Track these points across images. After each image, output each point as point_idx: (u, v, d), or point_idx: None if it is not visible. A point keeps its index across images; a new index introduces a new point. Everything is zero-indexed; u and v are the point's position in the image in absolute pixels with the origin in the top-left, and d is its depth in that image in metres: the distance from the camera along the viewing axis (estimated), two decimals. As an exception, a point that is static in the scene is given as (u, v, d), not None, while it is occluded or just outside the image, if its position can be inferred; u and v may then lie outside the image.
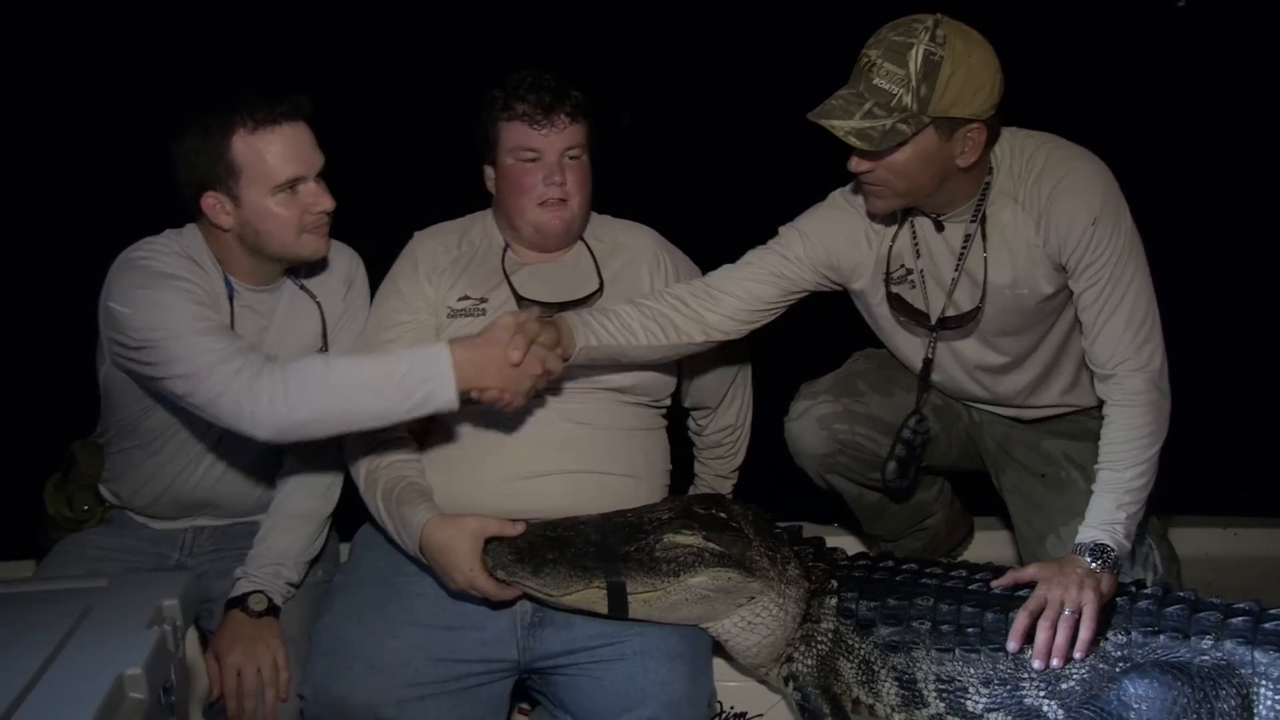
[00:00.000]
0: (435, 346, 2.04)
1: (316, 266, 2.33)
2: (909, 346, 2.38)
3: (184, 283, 2.10)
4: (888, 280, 2.29)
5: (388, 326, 2.33)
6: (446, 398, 2.01)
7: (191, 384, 2.00)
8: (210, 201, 2.14)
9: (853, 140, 2.03)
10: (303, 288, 2.32)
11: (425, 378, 1.99)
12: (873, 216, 2.28)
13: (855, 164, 2.10)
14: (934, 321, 2.29)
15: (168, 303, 2.05)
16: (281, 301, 2.30)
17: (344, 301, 2.36)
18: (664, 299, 2.31)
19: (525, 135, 2.28)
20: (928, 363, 2.34)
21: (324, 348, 2.32)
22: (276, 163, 2.11)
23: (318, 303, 2.32)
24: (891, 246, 2.28)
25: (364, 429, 2.07)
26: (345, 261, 2.39)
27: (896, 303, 2.30)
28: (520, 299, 2.34)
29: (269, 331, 2.28)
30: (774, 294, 2.31)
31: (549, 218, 2.32)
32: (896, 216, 2.27)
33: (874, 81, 2.01)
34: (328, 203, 2.18)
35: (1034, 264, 2.19)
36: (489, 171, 2.38)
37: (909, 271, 2.28)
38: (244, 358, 2.01)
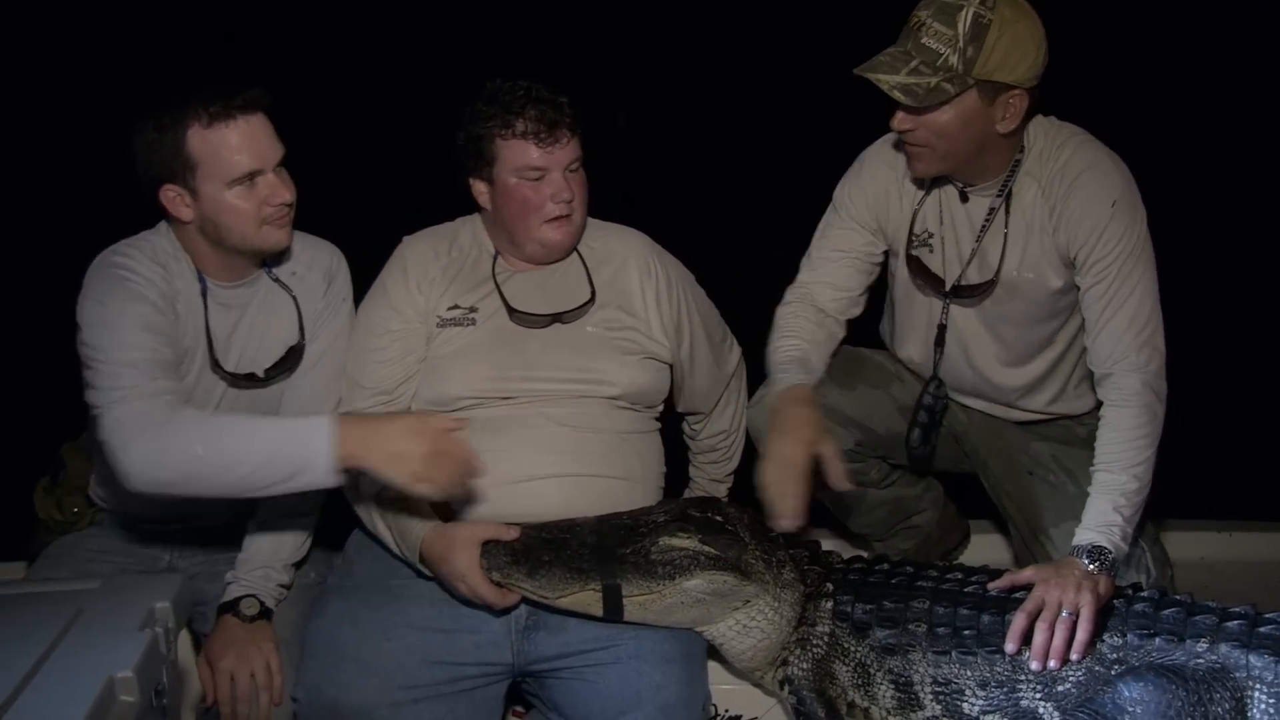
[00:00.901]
0: (321, 418, 2.00)
1: (295, 261, 2.31)
2: (922, 314, 2.42)
3: (145, 307, 2.10)
4: (911, 242, 2.34)
5: (378, 334, 2.31)
6: (319, 473, 1.94)
7: (97, 415, 2.02)
8: (169, 194, 2.13)
9: (897, 95, 2.07)
10: (278, 281, 2.30)
11: (304, 444, 1.94)
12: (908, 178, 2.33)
13: (899, 121, 2.14)
14: (948, 288, 2.33)
15: (114, 324, 2.06)
16: (256, 297, 2.28)
17: (324, 299, 2.33)
18: (819, 328, 2.39)
19: (530, 154, 2.24)
20: (942, 328, 2.38)
21: (301, 342, 2.30)
22: (233, 156, 2.09)
23: (294, 297, 2.30)
24: (917, 211, 2.33)
25: (246, 495, 2.02)
26: (326, 258, 2.36)
27: (914, 265, 2.35)
28: (513, 311, 2.32)
29: (241, 327, 2.26)
30: (862, 279, 2.42)
31: (557, 235, 2.30)
32: (924, 183, 2.31)
33: (922, 40, 2.06)
34: (286, 195, 2.16)
35: (1043, 251, 2.22)
36: (480, 187, 2.33)
37: (930, 235, 2.33)
38: (151, 402, 1.99)
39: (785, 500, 2.10)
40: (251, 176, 2.11)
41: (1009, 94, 2.09)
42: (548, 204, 2.26)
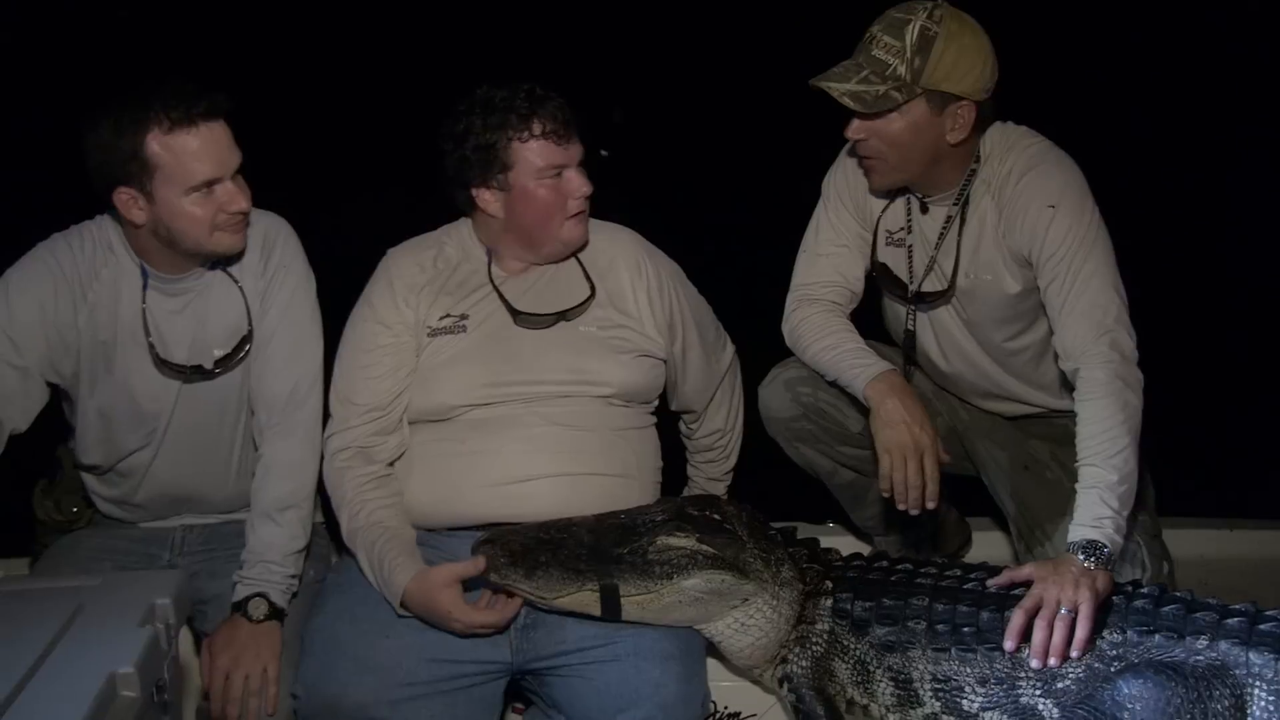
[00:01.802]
0: None
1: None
2: (896, 319, 2.48)
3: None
4: (885, 239, 2.39)
5: (367, 350, 2.30)
6: None
7: None
8: (123, 197, 2.11)
9: (847, 101, 2.16)
10: (224, 271, 2.26)
11: None
12: (872, 191, 2.38)
13: (853, 130, 2.22)
14: (910, 294, 2.39)
15: None
16: (199, 287, 2.25)
17: (264, 276, 2.28)
18: (838, 315, 2.41)
19: (553, 153, 2.24)
20: (909, 334, 2.45)
21: (250, 332, 2.26)
22: (192, 164, 2.07)
23: (240, 287, 2.27)
24: (888, 206, 2.39)
25: None
26: (260, 231, 2.28)
27: (881, 271, 2.41)
28: (516, 313, 2.31)
29: (185, 317, 2.25)
30: (864, 264, 2.44)
31: (579, 230, 2.31)
32: (890, 192, 2.37)
33: (872, 52, 2.16)
34: (243, 203, 2.14)
35: (998, 253, 2.27)
36: (488, 196, 2.29)
37: (902, 231, 2.38)
38: None
39: (918, 488, 2.18)
40: (210, 184, 2.10)
41: (957, 105, 2.17)
42: (569, 201, 2.28)
